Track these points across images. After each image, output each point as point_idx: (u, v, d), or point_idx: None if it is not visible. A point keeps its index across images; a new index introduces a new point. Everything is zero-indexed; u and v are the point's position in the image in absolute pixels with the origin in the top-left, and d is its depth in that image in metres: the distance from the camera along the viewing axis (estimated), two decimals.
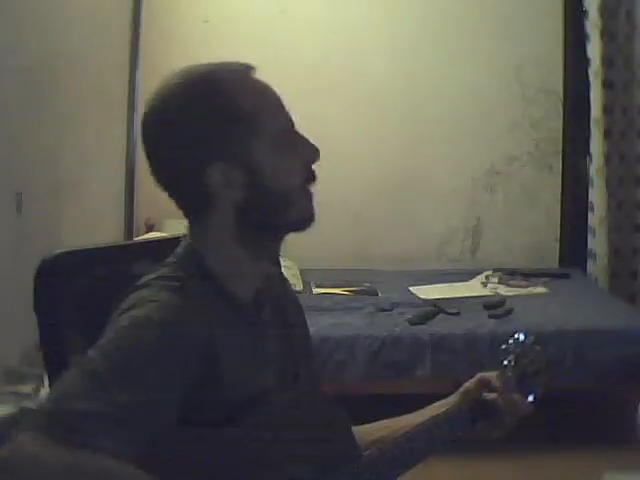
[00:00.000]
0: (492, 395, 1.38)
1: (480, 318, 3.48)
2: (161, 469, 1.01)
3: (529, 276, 4.16)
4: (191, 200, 1.22)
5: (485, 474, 3.13)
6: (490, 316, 3.50)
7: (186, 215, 1.24)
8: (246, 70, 1.22)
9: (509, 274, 4.18)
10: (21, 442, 0.97)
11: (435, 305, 3.63)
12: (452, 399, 1.42)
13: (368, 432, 1.37)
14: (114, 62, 4.12)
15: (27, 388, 2.57)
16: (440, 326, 3.41)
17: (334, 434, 1.20)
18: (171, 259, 1.22)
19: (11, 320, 2.72)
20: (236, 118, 1.17)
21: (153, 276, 1.18)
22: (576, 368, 3.24)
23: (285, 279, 1.43)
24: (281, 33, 4.39)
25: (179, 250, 1.23)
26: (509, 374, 1.40)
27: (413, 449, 1.31)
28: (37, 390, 2.55)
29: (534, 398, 1.44)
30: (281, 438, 1.13)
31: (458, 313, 3.55)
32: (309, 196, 1.23)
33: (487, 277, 4.15)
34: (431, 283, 4.07)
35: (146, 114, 1.20)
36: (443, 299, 3.74)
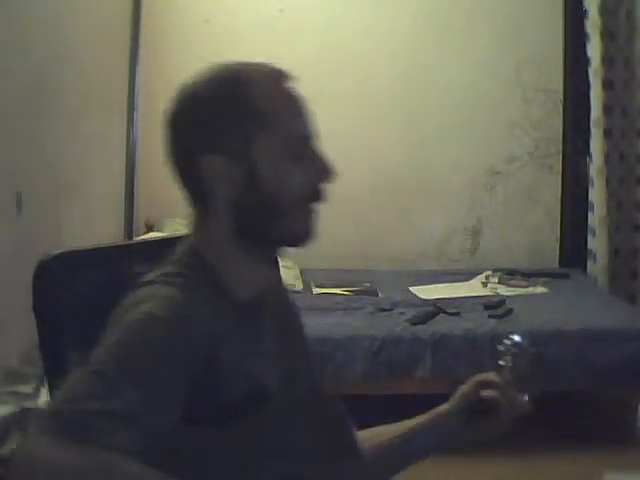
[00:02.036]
0: (491, 392, 1.38)
1: (480, 318, 3.48)
2: (164, 467, 1.01)
3: (529, 276, 4.16)
4: (191, 191, 1.21)
5: (485, 474, 3.13)
6: (490, 316, 3.50)
7: (190, 208, 1.24)
8: (277, 74, 1.21)
9: (509, 274, 4.18)
10: (35, 445, 0.97)
11: (435, 305, 3.63)
12: (449, 402, 1.42)
13: (369, 436, 1.36)
14: (114, 62, 4.12)
15: (27, 388, 2.57)
16: (440, 326, 3.41)
17: (335, 432, 1.20)
18: (173, 257, 1.22)
19: (11, 320, 2.72)
20: (246, 111, 1.16)
21: (155, 274, 1.18)
22: (576, 368, 3.24)
23: (282, 281, 1.43)
24: (281, 32, 4.39)
25: (180, 248, 1.23)
26: (506, 375, 1.40)
27: (413, 448, 1.32)
28: (37, 390, 2.55)
29: (527, 399, 1.44)
30: (283, 437, 1.13)
31: (458, 313, 3.56)
32: (310, 214, 1.21)
33: (487, 277, 4.15)
34: (431, 283, 4.07)
35: (172, 101, 1.22)
36: (443, 299, 3.74)
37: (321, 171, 1.20)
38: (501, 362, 1.41)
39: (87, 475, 0.97)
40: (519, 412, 1.40)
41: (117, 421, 0.99)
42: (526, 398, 1.42)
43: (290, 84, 1.21)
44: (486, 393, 1.37)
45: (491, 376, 1.40)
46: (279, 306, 1.34)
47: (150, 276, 1.18)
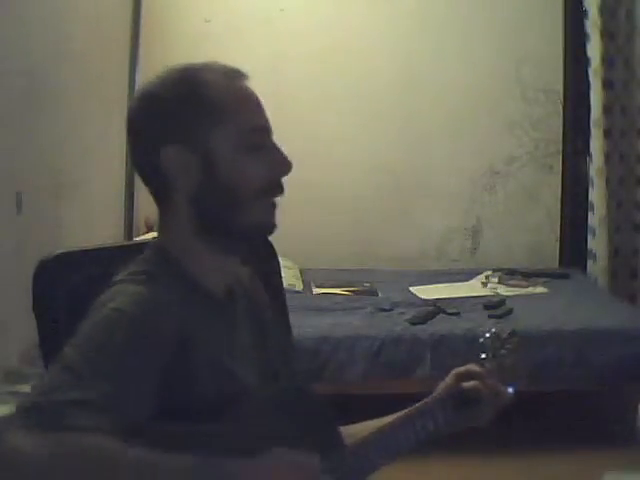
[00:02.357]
0: (472, 382, 1.40)
1: (480, 318, 3.48)
2: None
3: (529, 276, 4.16)
4: (153, 186, 1.24)
5: (485, 474, 3.13)
6: (490, 316, 3.50)
7: (156, 206, 1.26)
8: (232, 73, 1.24)
9: (509, 274, 4.18)
10: (8, 437, 0.99)
11: (435, 305, 3.63)
12: (432, 396, 1.43)
13: (353, 433, 1.36)
14: (114, 62, 4.12)
15: (27, 388, 2.57)
16: (440, 326, 3.41)
17: (316, 428, 1.20)
18: (139, 257, 1.25)
19: (11, 320, 2.72)
20: (200, 104, 1.19)
21: (123, 273, 1.20)
22: (576, 368, 3.24)
23: (257, 280, 1.42)
24: (281, 31, 4.40)
25: (148, 247, 1.26)
26: (487, 366, 1.43)
27: (396, 439, 1.32)
28: None
29: (515, 391, 1.45)
30: (260, 432, 1.14)
31: (458, 313, 3.55)
32: (269, 207, 1.23)
33: (487, 277, 4.15)
34: (431, 283, 4.07)
35: (131, 101, 1.27)
36: (443, 299, 3.74)
37: (278, 163, 1.22)
38: (482, 355, 1.44)
39: (68, 459, 0.98)
40: (502, 402, 1.41)
41: (91, 409, 1.01)
42: (511, 390, 1.43)
43: (244, 82, 1.24)
44: (467, 384, 1.40)
45: (471, 367, 1.43)
46: (254, 304, 1.35)
47: (119, 276, 1.20)
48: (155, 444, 1.03)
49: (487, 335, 1.46)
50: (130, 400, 1.06)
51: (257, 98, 1.24)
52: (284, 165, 1.23)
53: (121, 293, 1.14)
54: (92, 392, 1.02)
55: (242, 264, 1.33)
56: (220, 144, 1.19)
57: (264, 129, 1.23)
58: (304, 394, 1.25)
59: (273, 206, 1.24)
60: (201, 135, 1.19)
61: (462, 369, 1.43)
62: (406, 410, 1.40)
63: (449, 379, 1.43)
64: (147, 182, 1.25)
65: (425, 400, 1.41)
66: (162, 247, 1.24)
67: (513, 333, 1.47)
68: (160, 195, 1.24)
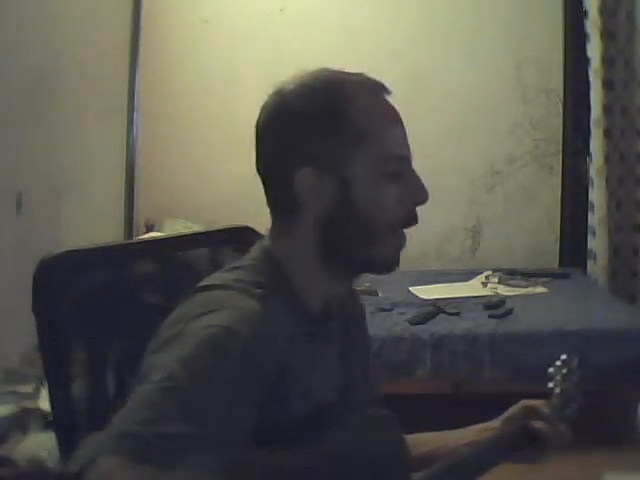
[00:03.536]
0: (540, 424, 1.34)
1: (480, 318, 3.48)
2: None
3: (529, 276, 4.16)
4: (279, 200, 1.17)
5: (485, 474, 3.12)
6: (490, 316, 3.49)
7: (272, 216, 1.19)
8: (377, 88, 1.17)
9: (509, 274, 4.18)
10: (106, 468, 0.86)
11: (435, 305, 3.63)
12: (495, 424, 1.38)
13: (411, 446, 1.32)
14: (114, 62, 4.12)
15: (27, 388, 2.57)
16: (440, 326, 3.41)
17: (393, 450, 1.14)
18: (247, 262, 1.17)
19: (11, 320, 2.72)
20: (343, 126, 1.11)
21: (227, 277, 1.12)
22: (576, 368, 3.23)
23: (354, 294, 1.37)
24: (281, 32, 4.40)
25: (255, 253, 1.18)
26: (554, 401, 1.38)
27: (462, 475, 1.27)
28: (37, 390, 2.55)
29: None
30: (343, 457, 1.08)
31: (458, 313, 3.55)
32: (399, 240, 1.17)
33: (487, 277, 4.15)
34: (431, 283, 4.07)
35: (264, 103, 1.17)
36: (443, 299, 3.74)
37: (417, 193, 1.16)
38: (550, 385, 1.39)
39: None
40: (562, 445, 1.37)
41: (194, 444, 0.91)
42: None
43: (389, 99, 1.18)
44: (536, 424, 1.33)
45: (540, 404, 1.36)
46: (347, 319, 1.29)
47: (218, 279, 1.12)
48: (246, 469, 0.98)
49: (557, 363, 1.40)
50: (233, 430, 0.97)
51: (401, 120, 1.18)
52: (422, 195, 1.16)
53: (232, 305, 1.04)
54: (197, 423, 0.92)
55: (346, 281, 1.27)
56: (360, 171, 1.11)
57: (406, 156, 1.17)
58: (382, 417, 1.17)
59: (403, 239, 1.18)
60: (342, 157, 1.11)
61: (531, 404, 1.36)
62: (464, 432, 1.37)
63: (516, 412, 1.37)
64: (273, 197, 1.17)
65: (488, 429, 1.37)
66: (274, 258, 1.16)
67: (580, 364, 1.43)
68: (284, 209, 1.16)
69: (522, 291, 3.96)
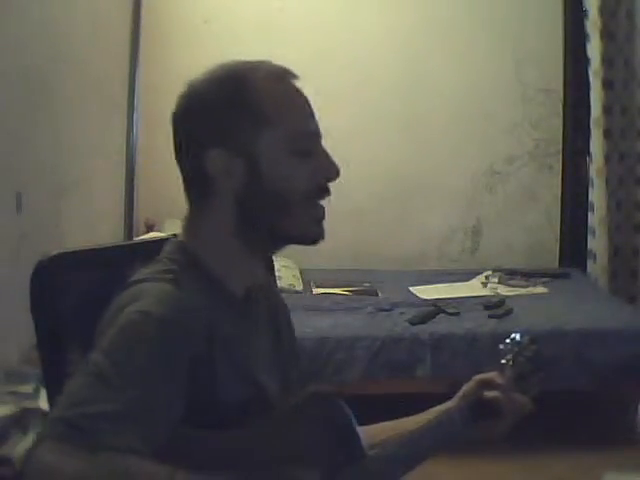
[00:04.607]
0: (493, 393, 1.36)
1: (480, 318, 3.48)
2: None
3: (529, 276, 4.16)
4: (194, 185, 1.22)
5: (485, 474, 3.13)
6: (490, 316, 3.50)
7: (189, 203, 1.24)
8: (282, 73, 1.22)
9: (509, 274, 4.18)
10: (41, 452, 0.95)
11: (435, 305, 3.63)
12: (451, 403, 1.40)
13: (371, 434, 1.34)
14: (114, 62, 4.12)
15: (27, 388, 2.57)
16: (440, 326, 3.41)
17: (336, 434, 1.16)
18: (161, 256, 1.22)
19: (11, 320, 2.72)
20: (247, 109, 1.17)
21: (145, 272, 1.18)
22: (576, 368, 3.24)
23: (274, 282, 1.42)
24: (280, 32, 4.39)
25: (168, 247, 1.24)
26: (507, 374, 1.40)
27: (416, 450, 1.29)
28: (37, 390, 2.55)
29: (529, 397, 1.44)
30: (280, 439, 1.12)
31: (458, 313, 3.55)
32: (316, 211, 1.21)
33: (487, 277, 4.15)
34: (431, 283, 4.07)
35: (178, 95, 1.23)
36: (443, 299, 3.74)
37: (326, 168, 1.21)
38: (502, 361, 1.42)
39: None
40: (522, 413, 1.39)
41: (123, 422, 0.98)
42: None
43: (294, 82, 1.22)
44: (489, 394, 1.36)
45: (493, 376, 1.39)
46: (270, 306, 1.34)
47: (139, 275, 1.17)
48: (180, 452, 1.02)
49: (507, 341, 1.43)
50: (162, 407, 1.03)
51: (307, 101, 1.22)
52: (331, 170, 1.21)
53: (146, 293, 1.11)
54: (122, 402, 0.99)
55: (264, 268, 1.32)
56: (267, 148, 1.17)
57: (313, 134, 1.22)
58: (327, 401, 1.19)
59: (321, 211, 1.22)
60: (248, 138, 1.17)
61: (484, 377, 1.40)
62: (423, 415, 1.38)
63: (470, 386, 1.40)
64: (187, 181, 1.23)
65: (444, 407, 1.39)
66: (185, 248, 1.22)
67: (533, 340, 1.44)
68: (198, 195, 1.22)
69: (522, 291, 3.96)
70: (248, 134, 1.17)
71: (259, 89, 1.19)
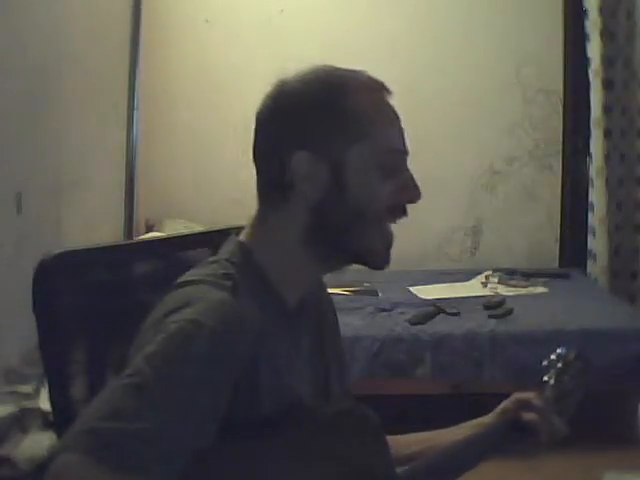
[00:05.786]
0: (531, 415, 1.33)
1: (480, 318, 3.48)
2: None
3: (529, 276, 4.16)
4: (272, 184, 1.17)
5: (485, 474, 3.12)
6: (490, 316, 3.50)
7: (260, 202, 1.20)
8: (377, 86, 1.20)
9: (509, 274, 4.18)
10: (67, 465, 0.87)
11: (435, 305, 3.63)
12: (488, 419, 1.38)
13: (402, 444, 1.33)
14: (114, 62, 4.12)
15: (27, 388, 2.57)
16: (440, 326, 3.41)
17: (368, 449, 1.12)
18: (220, 256, 1.17)
19: (11, 320, 2.72)
20: (342, 114, 1.14)
21: (200, 273, 1.12)
22: None
23: (325, 287, 1.37)
24: (281, 32, 4.40)
25: (227, 247, 1.19)
26: (547, 394, 1.36)
27: (450, 468, 1.27)
28: (37, 390, 2.55)
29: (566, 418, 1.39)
30: (316, 453, 1.07)
31: (458, 313, 3.55)
32: (387, 234, 1.19)
33: (487, 277, 4.15)
34: (431, 283, 4.07)
35: (266, 93, 1.19)
36: (443, 299, 3.74)
37: (409, 191, 1.18)
38: (545, 378, 1.38)
39: None
40: (557, 437, 1.35)
41: (156, 444, 0.91)
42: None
43: (389, 98, 1.21)
44: (527, 416, 1.33)
45: (531, 397, 1.36)
46: (319, 312, 1.30)
47: (193, 275, 1.12)
48: (214, 465, 0.97)
49: (552, 357, 1.40)
50: (201, 425, 0.97)
51: (399, 118, 1.20)
52: (415, 192, 1.18)
53: (201, 299, 1.04)
54: (160, 421, 0.92)
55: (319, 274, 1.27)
56: (356, 158, 1.14)
57: (403, 152, 1.19)
58: (359, 413, 1.14)
59: (391, 237, 1.20)
60: (338, 146, 1.14)
61: (523, 397, 1.36)
62: (455, 429, 1.37)
63: (508, 405, 1.37)
64: (264, 182, 1.18)
65: (481, 422, 1.37)
66: (248, 250, 1.16)
67: (578, 357, 1.41)
68: (273, 197, 1.17)
69: (522, 291, 3.96)
70: (339, 141, 1.14)
71: (357, 98, 1.16)
